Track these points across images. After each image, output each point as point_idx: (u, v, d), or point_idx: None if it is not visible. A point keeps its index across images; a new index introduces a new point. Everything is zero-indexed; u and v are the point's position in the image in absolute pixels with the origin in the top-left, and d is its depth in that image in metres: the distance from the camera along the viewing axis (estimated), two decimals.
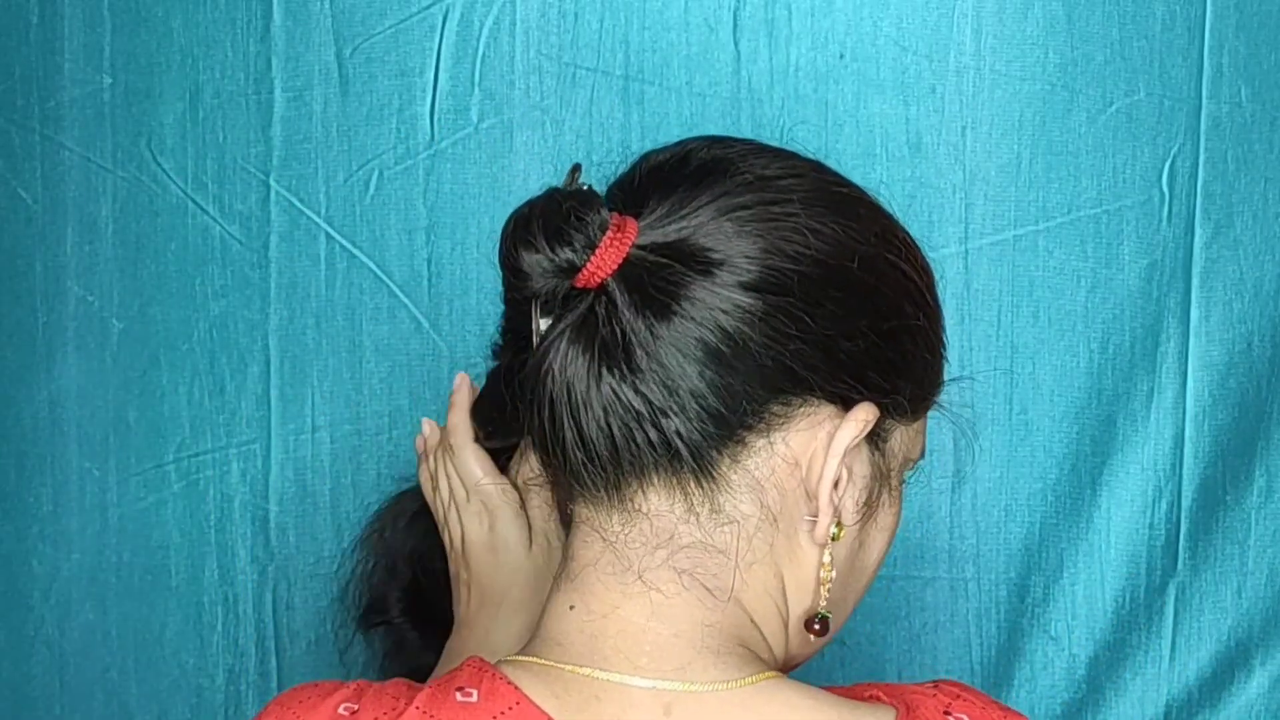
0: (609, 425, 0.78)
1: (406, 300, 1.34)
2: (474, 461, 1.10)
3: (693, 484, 0.79)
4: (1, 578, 1.42)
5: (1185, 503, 1.34)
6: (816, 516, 0.81)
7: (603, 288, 0.78)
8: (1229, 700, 1.34)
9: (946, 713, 0.79)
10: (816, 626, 0.83)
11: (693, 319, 0.77)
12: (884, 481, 0.84)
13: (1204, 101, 1.29)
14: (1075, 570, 1.35)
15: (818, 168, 0.84)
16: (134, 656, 1.37)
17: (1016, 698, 1.36)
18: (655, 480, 0.79)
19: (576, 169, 0.83)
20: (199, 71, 1.33)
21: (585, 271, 0.77)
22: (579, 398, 0.78)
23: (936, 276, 1.37)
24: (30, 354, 1.39)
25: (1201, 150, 1.29)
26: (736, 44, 1.30)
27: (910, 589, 1.36)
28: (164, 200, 1.35)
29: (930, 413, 0.88)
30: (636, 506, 0.80)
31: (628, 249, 0.77)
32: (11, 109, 1.36)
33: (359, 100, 1.32)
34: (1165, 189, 1.30)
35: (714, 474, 0.79)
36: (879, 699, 0.81)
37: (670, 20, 1.30)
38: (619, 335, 0.77)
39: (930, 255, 1.32)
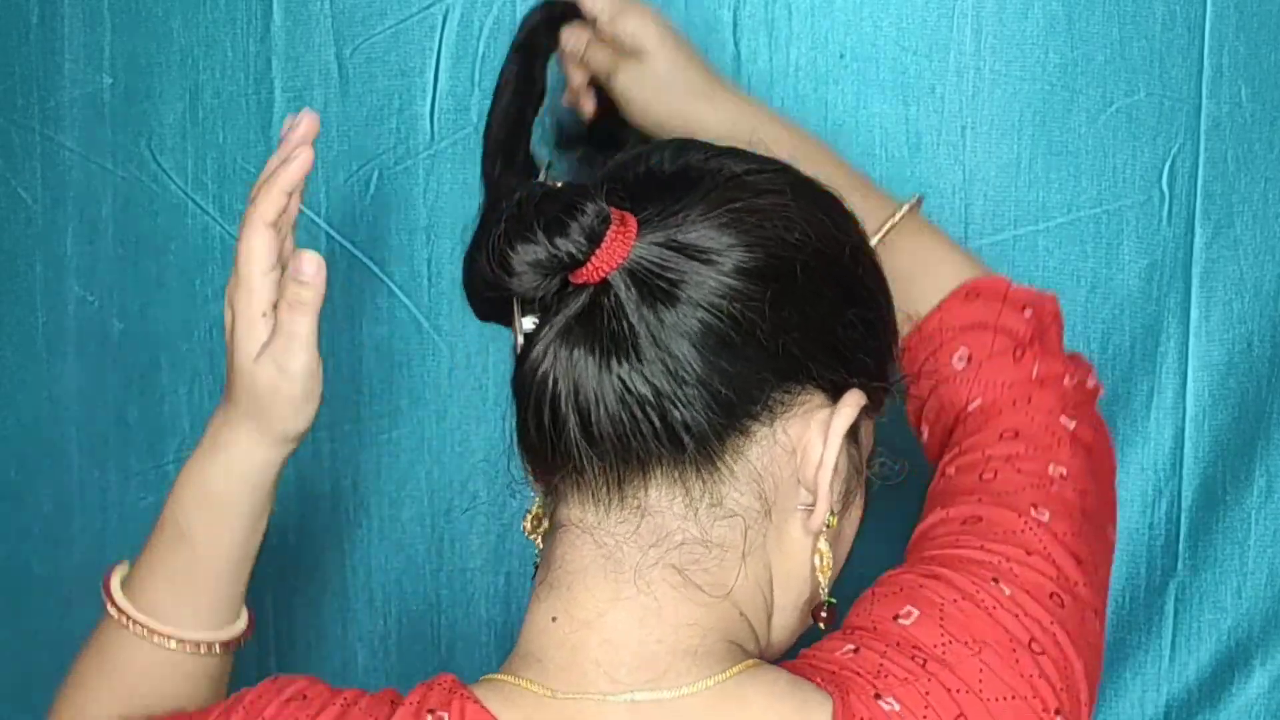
0: (620, 417, 0.77)
1: (406, 300, 1.34)
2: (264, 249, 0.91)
3: (694, 477, 0.79)
4: (1, 578, 1.42)
5: (1185, 503, 1.34)
6: (811, 505, 0.82)
7: (604, 282, 0.77)
8: (1229, 700, 1.34)
9: (877, 697, 0.80)
10: (825, 615, 0.85)
11: (700, 306, 0.77)
12: (858, 473, 0.86)
13: (1204, 101, 1.29)
14: None
15: (789, 167, 0.85)
16: None
17: None
18: (658, 474, 0.79)
19: (549, 165, 0.83)
20: (199, 71, 1.33)
21: (589, 266, 0.77)
22: (589, 393, 0.77)
23: None
24: (30, 354, 1.39)
25: (1201, 150, 1.29)
26: (736, 44, 1.30)
27: None
28: (164, 200, 1.35)
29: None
30: (637, 503, 0.80)
31: (632, 241, 0.77)
32: (11, 109, 1.36)
33: (359, 100, 1.32)
34: (1165, 189, 1.30)
35: (717, 464, 0.79)
36: (819, 685, 0.81)
37: (670, 20, 1.30)
38: (626, 327, 0.77)
39: None
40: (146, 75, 1.34)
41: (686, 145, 0.85)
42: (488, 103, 1.30)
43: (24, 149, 1.37)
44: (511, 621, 1.35)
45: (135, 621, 0.95)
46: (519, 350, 0.80)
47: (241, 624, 0.98)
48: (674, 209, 0.79)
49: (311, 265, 0.88)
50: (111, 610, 0.97)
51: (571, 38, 1.13)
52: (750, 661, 0.81)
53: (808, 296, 0.79)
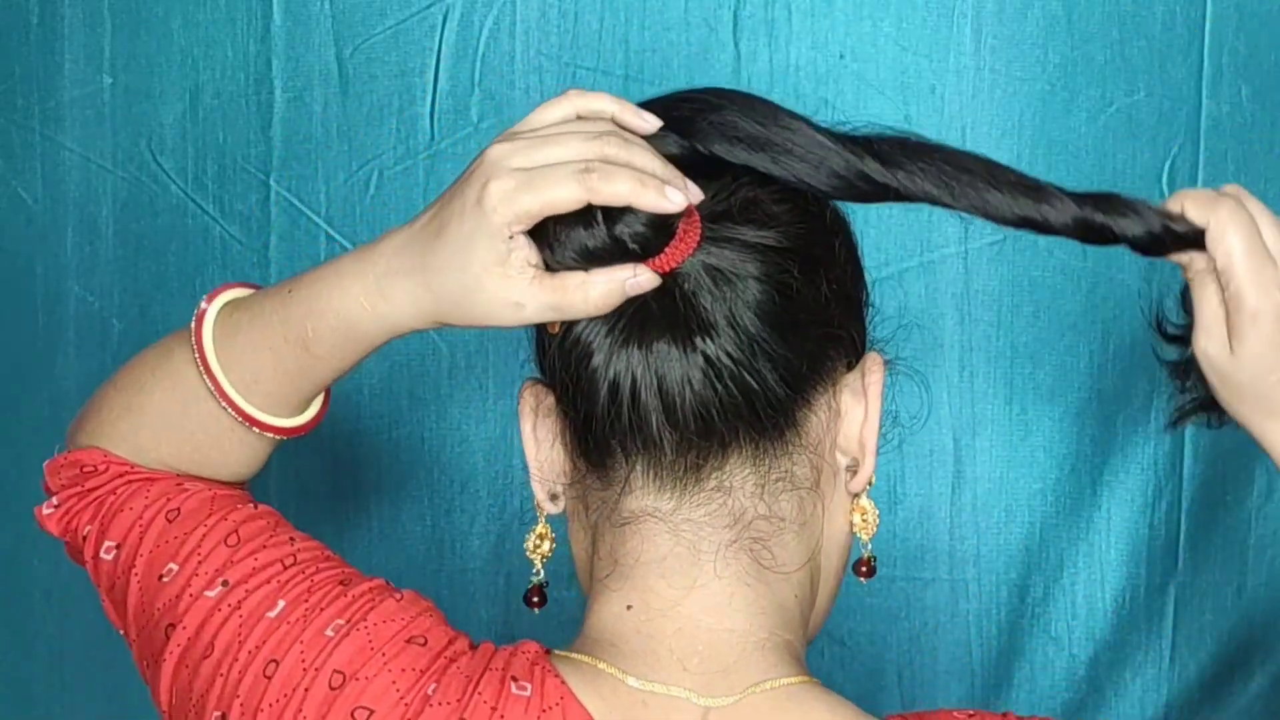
0: (704, 395, 0.78)
1: None
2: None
3: (767, 451, 0.81)
4: (1, 578, 1.42)
5: (1185, 503, 1.34)
6: (855, 468, 0.84)
7: (672, 271, 0.78)
8: (1229, 700, 1.34)
9: None
10: (865, 569, 0.86)
11: (764, 282, 0.79)
12: None
13: (1204, 101, 1.29)
14: (1075, 570, 1.35)
15: None
16: None
17: (1016, 698, 1.36)
18: (733, 453, 0.80)
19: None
20: (199, 71, 1.34)
21: (666, 255, 0.77)
22: (675, 380, 0.78)
23: (936, 276, 1.38)
24: (30, 354, 1.39)
25: (1201, 150, 1.29)
26: (736, 44, 1.30)
27: (910, 589, 1.36)
28: (164, 200, 1.35)
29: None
30: (714, 484, 0.81)
31: (700, 227, 0.78)
32: (11, 109, 1.36)
33: (359, 100, 1.32)
34: (1165, 189, 1.30)
35: (785, 435, 0.81)
36: None
37: (670, 20, 1.30)
38: (703, 310, 0.78)
39: (930, 255, 1.33)
40: (146, 75, 1.34)
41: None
42: (488, 103, 1.31)
43: (24, 149, 1.37)
44: (512, 621, 1.35)
45: (236, 407, 0.90)
46: (565, 350, 0.80)
47: (315, 409, 0.94)
48: (721, 194, 0.80)
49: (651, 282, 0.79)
50: (208, 383, 0.90)
51: (1201, 261, 0.87)
52: (801, 679, 0.81)
53: (840, 268, 0.82)
